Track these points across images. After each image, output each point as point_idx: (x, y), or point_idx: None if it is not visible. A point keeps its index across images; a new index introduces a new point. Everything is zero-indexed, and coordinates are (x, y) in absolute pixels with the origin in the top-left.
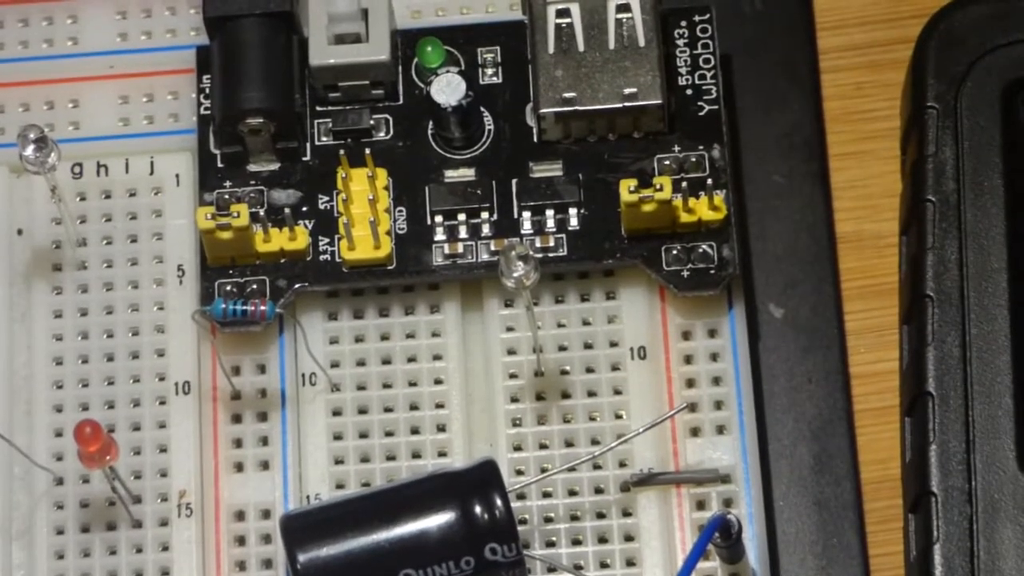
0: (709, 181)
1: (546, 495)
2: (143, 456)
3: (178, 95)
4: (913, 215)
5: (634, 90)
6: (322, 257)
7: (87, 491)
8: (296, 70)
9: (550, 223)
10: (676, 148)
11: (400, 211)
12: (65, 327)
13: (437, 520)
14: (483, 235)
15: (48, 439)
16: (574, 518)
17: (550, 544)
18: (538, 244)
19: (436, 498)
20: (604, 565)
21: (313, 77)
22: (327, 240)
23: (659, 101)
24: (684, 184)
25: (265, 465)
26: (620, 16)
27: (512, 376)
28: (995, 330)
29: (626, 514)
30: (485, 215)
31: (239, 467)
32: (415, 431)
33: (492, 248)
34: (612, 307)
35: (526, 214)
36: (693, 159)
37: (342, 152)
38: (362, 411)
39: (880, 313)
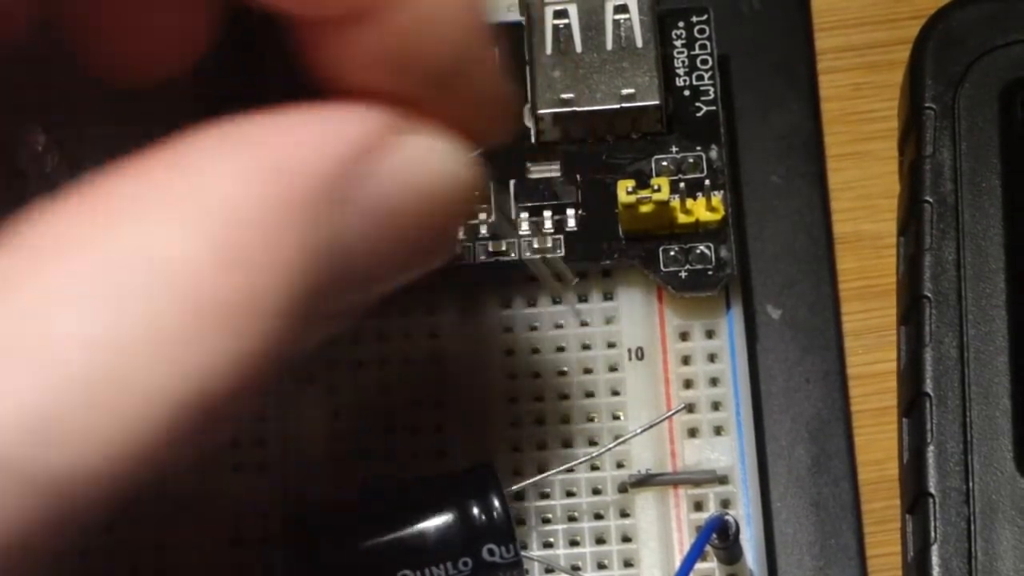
0: (707, 182)
1: (544, 496)
2: None
3: None
4: (911, 216)
5: (632, 91)
6: None
7: None
8: None
9: (548, 224)
10: (674, 149)
11: None
12: None
13: (435, 521)
14: (481, 236)
15: None
16: (572, 519)
17: (548, 545)
18: (536, 245)
19: (434, 499)
20: (602, 566)
21: None
22: None
23: (657, 102)
24: (682, 185)
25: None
26: (618, 17)
27: (510, 377)
28: (993, 331)
29: (624, 515)
30: (483, 216)
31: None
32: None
33: (490, 249)
34: (610, 308)
35: (524, 215)
36: (691, 160)
37: None
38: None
39: (878, 314)
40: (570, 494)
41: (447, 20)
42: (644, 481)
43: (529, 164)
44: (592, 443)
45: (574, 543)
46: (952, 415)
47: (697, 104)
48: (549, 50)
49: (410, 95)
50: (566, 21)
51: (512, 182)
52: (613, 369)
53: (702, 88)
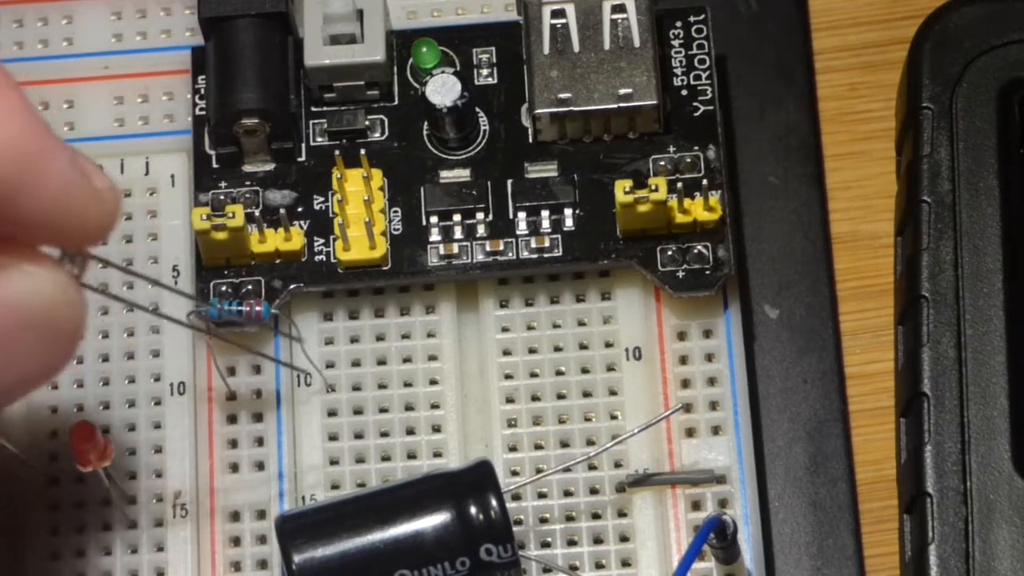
0: (704, 182)
1: (541, 496)
2: (138, 457)
3: (173, 96)
4: (908, 216)
5: (629, 91)
6: (317, 258)
7: (82, 492)
8: (291, 71)
9: (545, 224)
10: (671, 149)
11: (395, 212)
12: None
13: (433, 521)
14: (478, 236)
15: (43, 440)
16: (569, 519)
17: (545, 545)
18: (533, 245)
19: (431, 499)
20: (599, 566)
21: (308, 78)
22: (322, 241)
23: (654, 102)
24: (679, 185)
25: (260, 466)
26: (615, 17)
27: (507, 377)
28: (990, 331)
29: (621, 515)
30: (480, 216)
31: (234, 468)
32: (411, 432)
33: (487, 248)
34: (607, 308)
35: (521, 215)
36: (688, 160)
37: (337, 153)
38: (357, 412)
39: (875, 314)
40: (568, 494)
41: None
42: (642, 481)
43: (526, 164)
44: (590, 443)
45: (572, 543)
46: (950, 415)
47: (695, 104)
48: (547, 50)
49: None
50: (564, 21)
51: (509, 182)
52: (611, 369)
53: (700, 88)
